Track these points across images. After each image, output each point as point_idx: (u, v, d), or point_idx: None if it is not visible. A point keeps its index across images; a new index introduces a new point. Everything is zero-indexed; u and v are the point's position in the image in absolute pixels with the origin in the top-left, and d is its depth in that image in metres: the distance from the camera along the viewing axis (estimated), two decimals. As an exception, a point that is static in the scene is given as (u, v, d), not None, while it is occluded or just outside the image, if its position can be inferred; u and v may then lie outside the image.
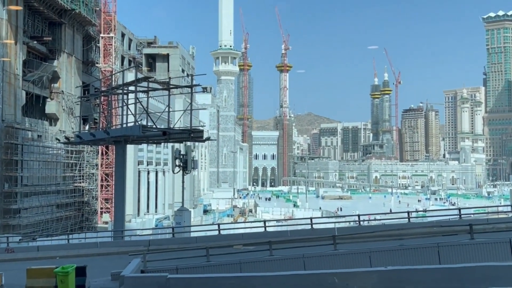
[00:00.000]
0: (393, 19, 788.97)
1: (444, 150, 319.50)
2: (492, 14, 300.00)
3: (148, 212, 65.02)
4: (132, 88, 29.42)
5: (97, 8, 57.83)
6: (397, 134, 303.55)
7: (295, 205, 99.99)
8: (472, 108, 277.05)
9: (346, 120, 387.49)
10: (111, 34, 55.19)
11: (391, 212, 53.38)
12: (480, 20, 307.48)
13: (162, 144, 59.23)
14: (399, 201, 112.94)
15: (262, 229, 26.10)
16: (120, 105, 32.99)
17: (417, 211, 44.55)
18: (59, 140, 49.85)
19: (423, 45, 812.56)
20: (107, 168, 54.23)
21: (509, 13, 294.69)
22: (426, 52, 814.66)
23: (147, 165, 66.14)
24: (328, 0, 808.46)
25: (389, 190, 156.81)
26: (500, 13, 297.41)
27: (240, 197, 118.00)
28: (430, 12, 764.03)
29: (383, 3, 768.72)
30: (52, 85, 52.73)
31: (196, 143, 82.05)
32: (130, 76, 45.95)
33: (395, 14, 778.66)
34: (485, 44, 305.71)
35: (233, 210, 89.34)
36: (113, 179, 42.04)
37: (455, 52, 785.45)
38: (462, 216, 25.28)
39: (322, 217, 56.39)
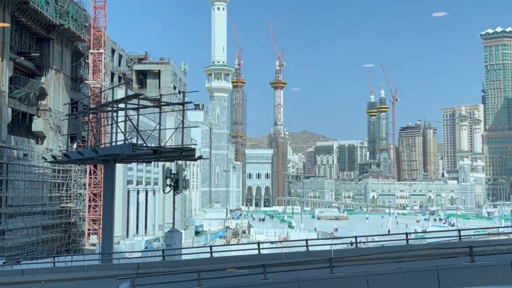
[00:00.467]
0: (390, 35, 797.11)
1: (443, 169, 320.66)
2: (490, 31, 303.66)
3: (137, 233, 64.60)
4: (122, 105, 29.42)
5: (87, 24, 58.07)
6: (395, 153, 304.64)
7: (290, 226, 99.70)
8: (471, 126, 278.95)
9: (342, 138, 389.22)
10: (101, 50, 55.34)
11: (389, 234, 53.34)
12: (478, 36, 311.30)
13: (153, 163, 59.10)
14: (397, 221, 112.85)
15: (256, 252, 25.97)
16: (110, 123, 32.99)
17: (416, 232, 44.57)
18: (45, 159, 49.63)
19: (420, 62, 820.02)
20: (95, 187, 53.97)
21: (507, 30, 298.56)
22: (423, 69, 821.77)
23: (137, 184, 65.89)
24: (323, 17, 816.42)
25: (387, 210, 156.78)
26: (499, 29, 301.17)
27: (233, 218, 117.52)
28: (427, 29, 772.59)
29: (379, 19, 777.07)
30: (39, 102, 52.67)
31: (188, 162, 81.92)
32: (120, 93, 46.00)
33: (392, 30, 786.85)
34: (483, 61, 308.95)
35: (226, 231, 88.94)
36: (102, 199, 41.81)
37: (453, 69, 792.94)
38: (462, 237, 25.26)
39: (318, 239, 56.23)
